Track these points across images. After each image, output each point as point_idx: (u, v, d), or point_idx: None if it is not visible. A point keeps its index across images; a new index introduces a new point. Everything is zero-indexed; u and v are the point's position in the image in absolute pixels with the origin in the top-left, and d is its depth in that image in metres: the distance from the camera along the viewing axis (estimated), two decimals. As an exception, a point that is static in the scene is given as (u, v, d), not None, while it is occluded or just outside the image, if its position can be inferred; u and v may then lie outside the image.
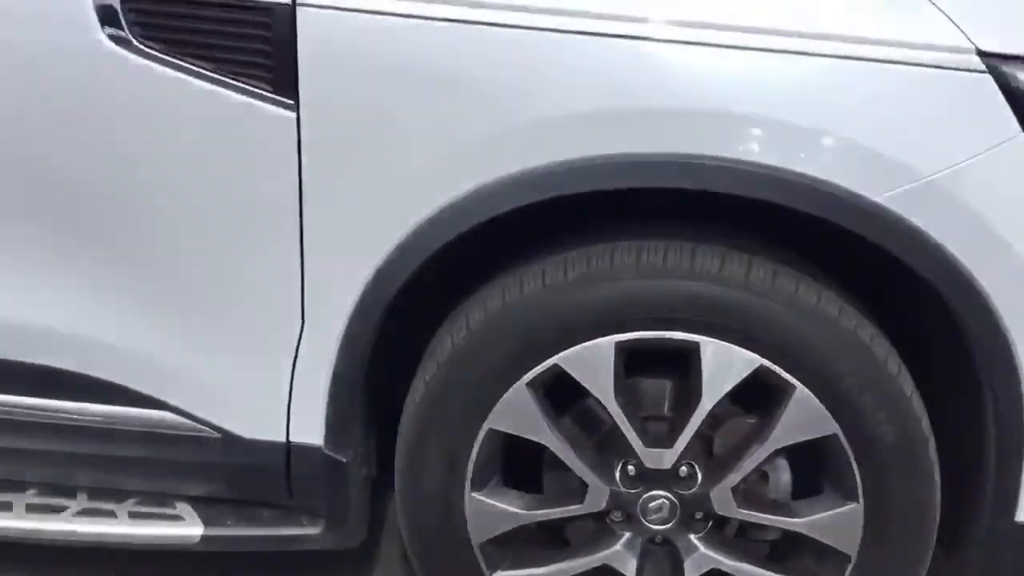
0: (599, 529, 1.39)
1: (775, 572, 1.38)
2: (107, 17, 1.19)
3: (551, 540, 1.46)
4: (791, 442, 1.30)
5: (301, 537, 1.42)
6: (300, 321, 1.30)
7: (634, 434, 1.30)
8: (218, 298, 1.32)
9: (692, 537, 1.36)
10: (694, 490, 1.33)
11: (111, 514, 1.44)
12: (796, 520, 1.34)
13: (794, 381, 1.25)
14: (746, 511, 1.34)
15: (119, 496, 1.46)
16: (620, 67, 1.16)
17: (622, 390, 1.29)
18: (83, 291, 1.33)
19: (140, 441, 1.41)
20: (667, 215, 1.29)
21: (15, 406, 1.40)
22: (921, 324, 1.37)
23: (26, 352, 1.36)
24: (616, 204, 1.26)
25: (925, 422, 1.29)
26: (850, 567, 1.33)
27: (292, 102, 1.19)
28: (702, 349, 1.25)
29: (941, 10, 1.14)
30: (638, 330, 1.26)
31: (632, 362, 1.31)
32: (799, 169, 1.15)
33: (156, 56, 1.20)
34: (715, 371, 1.26)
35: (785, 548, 1.42)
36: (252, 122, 1.21)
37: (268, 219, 1.26)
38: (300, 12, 1.16)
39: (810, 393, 1.26)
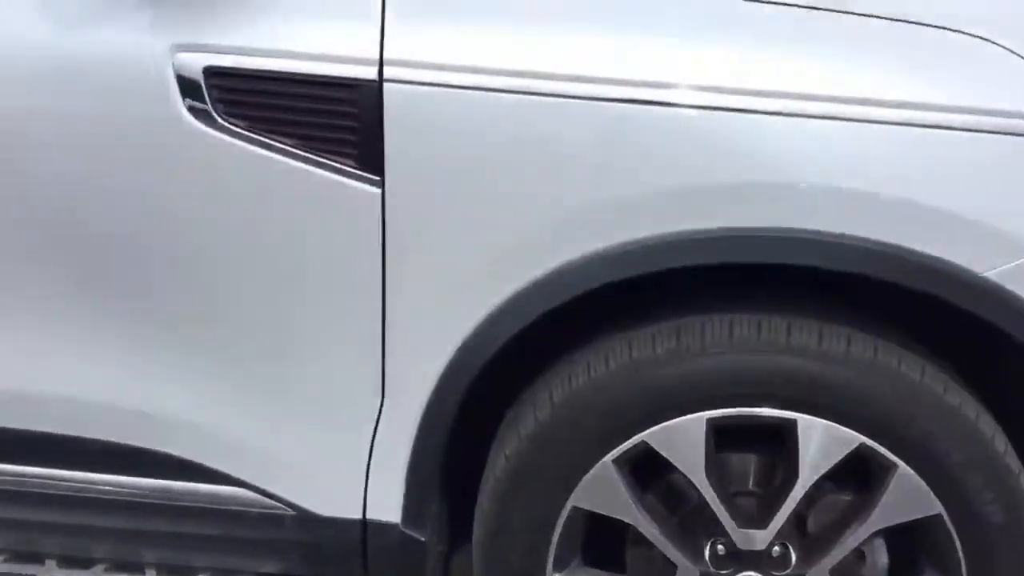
0: (687, 611, 1.35)
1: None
2: (190, 92, 1.17)
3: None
4: (892, 523, 1.25)
5: None
6: (380, 397, 1.27)
7: (726, 513, 1.25)
8: (297, 373, 1.29)
9: (785, 620, 1.31)
10: (788, 572, 1.27)
11: (180, 592, 1.42)
12: (895, 603, 1.29)
13: (896, 460, 1.21)
14: (842, 594, 1.29)
15: (189, 574, 1.44)
16: (725, 140, 1.13)
17: (713, 467, 1.25)
18: (159, 367, 1.31)
19: (212, 518, 1.37)
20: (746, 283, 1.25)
21: (87, 482, 1.38)
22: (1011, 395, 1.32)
23: (100, 429, 1.34)
24: (701, 275, 1.23)
25: None
26: (952, 651, 1.28)
27: (377, 178, 1.17)
28: (799, 427, 1.20)
29: None
30: (731, 406, 1.21)
31: (722, 435, 1.26)
32: (909, 245, 1.11)
33: (239, 132, 1.18)
34: (813, 449, 1.21)
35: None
36: (336, 198, 1.18)
37: (350, 294, 1.23)
38: (386, 88, 1.15)
39: (913, 472, 1.21)
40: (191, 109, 1.18)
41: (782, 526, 1.25)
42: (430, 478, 1.32)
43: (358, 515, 1.32)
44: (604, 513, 1.28)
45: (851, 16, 1.16)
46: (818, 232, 1.12)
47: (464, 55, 1.15)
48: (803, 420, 1.21)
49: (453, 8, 1.17)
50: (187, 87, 1.17)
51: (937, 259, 1.12)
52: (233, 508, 1.36)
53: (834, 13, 1.16)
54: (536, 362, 1.31)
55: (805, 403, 1.20)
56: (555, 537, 1.29)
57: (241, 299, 1.27)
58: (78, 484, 1.37)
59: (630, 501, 1.26)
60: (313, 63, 1.16)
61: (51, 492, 1.38)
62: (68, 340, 1.32)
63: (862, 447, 1.21)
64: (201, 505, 1.37)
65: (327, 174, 1.18)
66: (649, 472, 1.30)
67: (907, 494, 1.22)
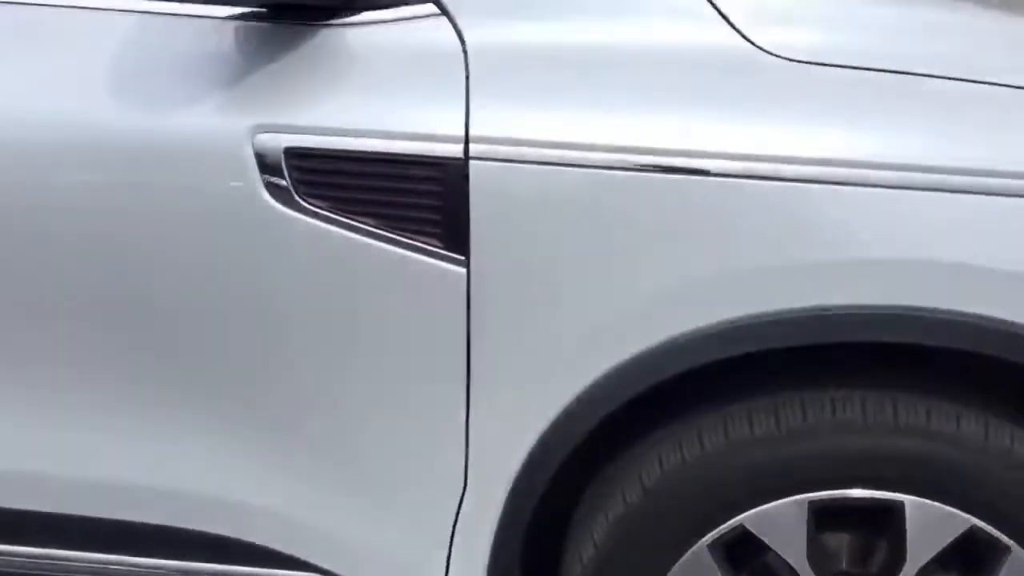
0: None
1: None
2: (270, 172, 1.14)
3: None
4: (1005, 608, 1.19)
5: None
6: (462, 484, 1.22)
7: (828, 599, 1.20)
8: (375, 459, 1.24)
9: None
10: (892, 657, 1.22)
11: None
12: None
13: (1010, 542, 1.15)
14: None
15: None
16: (829, 215, 1.09)
17: (814, 550, 1.19)
18: (233, 451, 1.26)
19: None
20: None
21: (157, 568, 1.33)
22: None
23: (178, 518, 1.29)
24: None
25: None
26: None
27: (462, 258, 1.13)
28: (907, 509, 1.15)
29: None
30: (834, 488, 1.16)
31: (823, 515, 1.19)
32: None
33: (319, 213, 1.14)
34: (921, 532, 1.15)
35: None
36: (420, 279, 1.14)
37: (433, 378, 1.18)
38: (472, 165, 1.11)
39: (1029, 556, 1.16)
40: (271, 190, 1.15)
41: (888, 612, 1.20)
42: (512, 567, 1.26)
43: (438, 604, 1.28)
44: (698, 599, 1.23)
45: (941, 80, 1.12)
46: (933, 310, 1.08)
47: (552, 130, 1.11)
48: (911, 502, 1.15)
49: (539, 83, 1.13)
50: (267, 167, 1.14)
51: None
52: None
53: (927, 78, 1.13)
54: (623, 437, 1.26)
55: (914, 484, 1.14)
56: (647, 625, 1.24)
57: (320, 383, 1.22)
58: (151, 570, 1.33)
59: (726, 587, 1.22)
60: (396, 142, 1.12)
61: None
62: (140, 420, 1.27)
63: (973, 529, 1.15)
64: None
65: (410, 254, 1.14)
66: (744, 553, 1.24)
67: (1021, 578, 1.17)
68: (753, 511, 1.17)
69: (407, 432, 1.22)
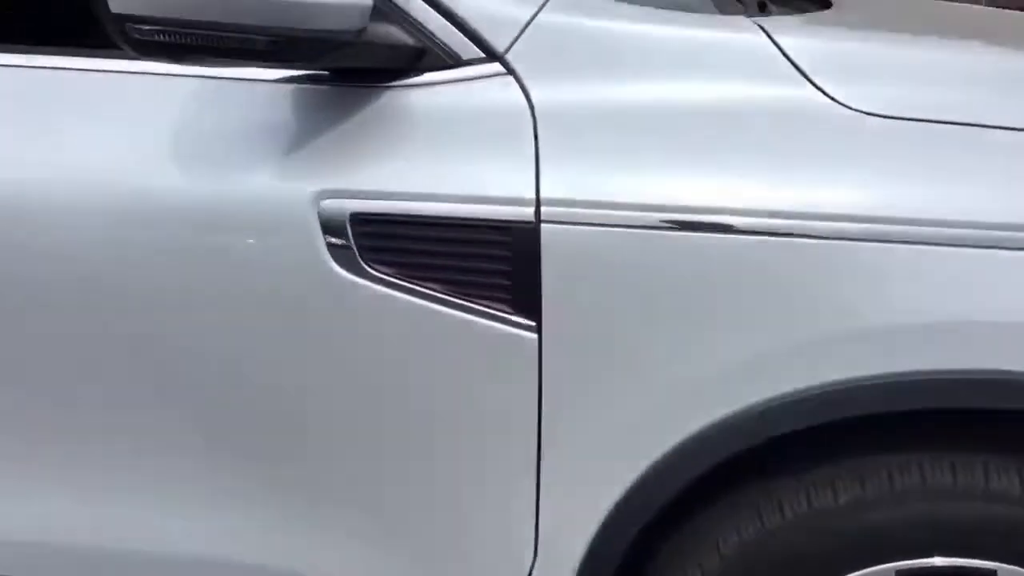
0: None
1: None
2: (335, 238, 1.11)
3: None
4: None
5: None
6: (532, 554, 1.18)
7: (916, 671, 1.15)
8: (443, 527, 1.20)
9: None
10: None
11: None
12: None
13: (1109, 612, 1.11)
14: None
15: None
16: (920, 276, 1.05)
17: (900, 620, 1.15)
18: (302, 523, 1.21)
19: None
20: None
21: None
22: None
23: None
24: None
25: None
26: None
27: (534, 323, 1.10)
28: (1000, 577, 1.11)
29: None
30: (923, 556, 1.11)
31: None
32: None
33: (386, 279, 1.11)
34: (1016, 602, 1.11)
35: None
36: (490, 345, 1.11)
37: (504, 446, 1.14)
38: (544, 229, 1.08)
39: None
40: (336, 255, 1.11)
41: None
42: None
43: None
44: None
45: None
46: None
47: (626, 191, 1.08)
48: (1004, 570, 1.11)
49: (610, 142, 1.10)
50: (332, 233, 1.11)
51: None
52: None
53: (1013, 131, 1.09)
54: (698, 503, 1.20)
55: (1008, 552, 1.10)
56: None
57: (386, 451, 1.18)
58: None
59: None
60: (464, 205, 1.09)
61: None
62: (206, 497, 1.23)
63: (1071, 599, 1.11)
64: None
65: (480, 320, 1.11)
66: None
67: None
68: (837, 581, 1.14)
69: (476, 502, 1.18)
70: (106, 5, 0.95)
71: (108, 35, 1.09)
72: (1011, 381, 1.06)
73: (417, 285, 1.11)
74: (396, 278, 1.12)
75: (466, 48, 1.14)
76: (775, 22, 1.20)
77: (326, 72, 1.15)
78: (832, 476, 1.13)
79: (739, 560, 1.15)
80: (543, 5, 1.14)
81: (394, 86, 1.15)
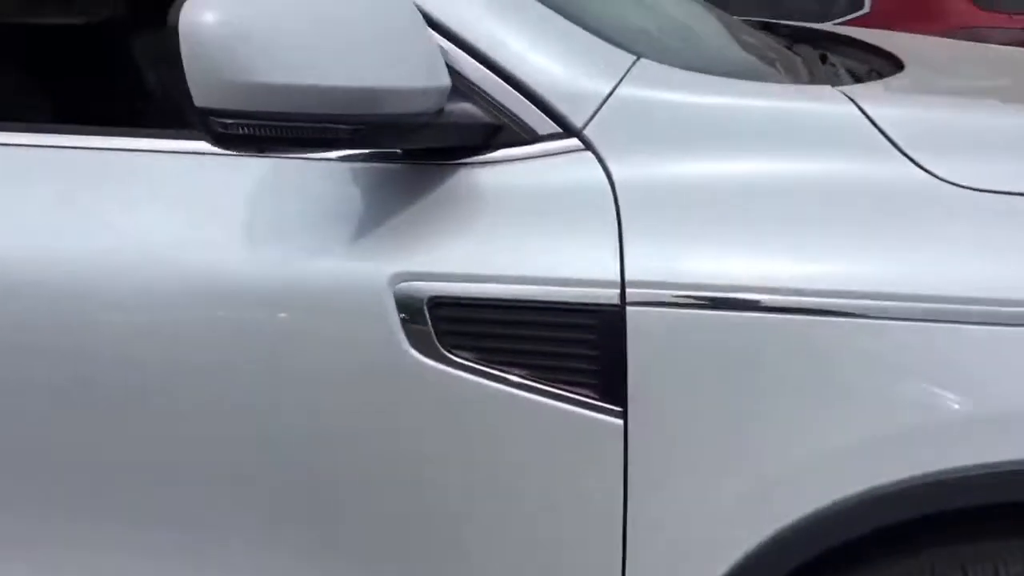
0: None
1: None
2: (413, 323, 1.07)
3: None
4: None
5: None
6: (618, 647, 1.13)
7: None
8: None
9: None
10: None
11: None
12: None
13: None
14: None
15: None
16: None
17: None
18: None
19: None
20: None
21: None
22: None
23: None
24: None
25: None
26: None
27: (619, 409, 1.05)
28: None
29: None
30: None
31: None
32: None
33: (465, 364, 1.07)
34: None
35: None
36: (573, 432, 1.06)
37: (587, 536, 1.09)
38: (630, 312, 1.04)
39: None
40: (413, 339, 1.08)
41: None
42: None
43: None
44: None
45: None
46: None
47: (715, 272, 1.03)
48: None
49: (697, 220, 1.06)
50: (409, 317, 1.07)
51: None
52: None
53: None
54: None
55: None
56: None
57: (463, 540, 1.13)
58: None
59: None
60: (546, 288, 1.05)
61: None
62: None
63: None
64: None
65: (562, 405, 1.06)
66: None
67: None
68: None
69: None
70: (189, 99, 0.94)
71: (181, 117, 1.09)
72: None
73: (497, 370, 1.07)
74: (476, 362, 1.08)
75: (543, 123, 1.11)
76: (861, 91, 1.16)
77: (399, 151, 1.13)
78: (962, 561, 1.06)
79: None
80: (622, 78, 1.11)
81: (469, 163, 1.12)
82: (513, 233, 1.09)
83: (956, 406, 1.00)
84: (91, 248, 1.16)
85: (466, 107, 1.11)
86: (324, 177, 1.14)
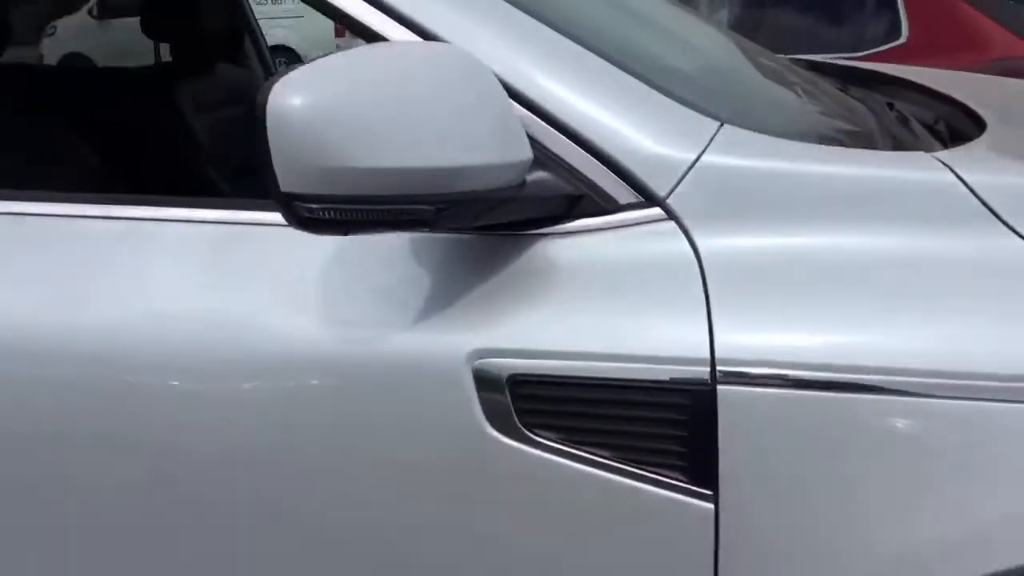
0: None
1: None
2: (492, 402, 1.03)
3: None
4: None
5: None
6: None
7: None
8: None
9: None
10: None
11: None
12: None
13: None
14: None
15: None
16: None
17: None
18: None
19: None
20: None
21: None
22: None
23: None
24: None
25: None
26: None
27: (710, 492, 1.01)
28: None
29: None
30: None
31: None
32: None
33: (547, 445, 1.03)
34: None
35: None
36: (661, 515, 1.02)
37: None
38: (721, 391, 0.99)
39: None
40: (493, 419, 1.04)
41: None
42: None
43: None
44: None
45: None
46: None
47: (813, 349, 0.98)
48: None
49: (790, 294, 1.01)
50: (489, 395, 1.03)
51: None
52: None
53: None
54: None
55: None
56: None
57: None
58: None
59: None
60: (632, 365, 1.01)
61: None
62: None
63: None
64: None
65: (649, 488, 1.02)
66: None
67: None
68: None
69: None
70: (275, 184, 0.91)
71: (250, 189, 1.06)
72: None
73: (580, 450, 1.03)
74: (557, 442, 1.03)
75: (624, 192, 1.07)
76: (956, 157, 1.11)
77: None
78: None
79: None
80: (707, 146, 1.07)
81: (547, 233, 1.08)
82: (595, 306, 1.05)
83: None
84: (164, 317, 1.13)
85: (545, 177, 1.07)
86: (396, 248, 1.11)
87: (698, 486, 1.01)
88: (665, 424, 1.02)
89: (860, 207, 1.05)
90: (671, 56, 1.43)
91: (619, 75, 1.11)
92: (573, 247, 1.07)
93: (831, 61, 2.42)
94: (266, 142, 0.88)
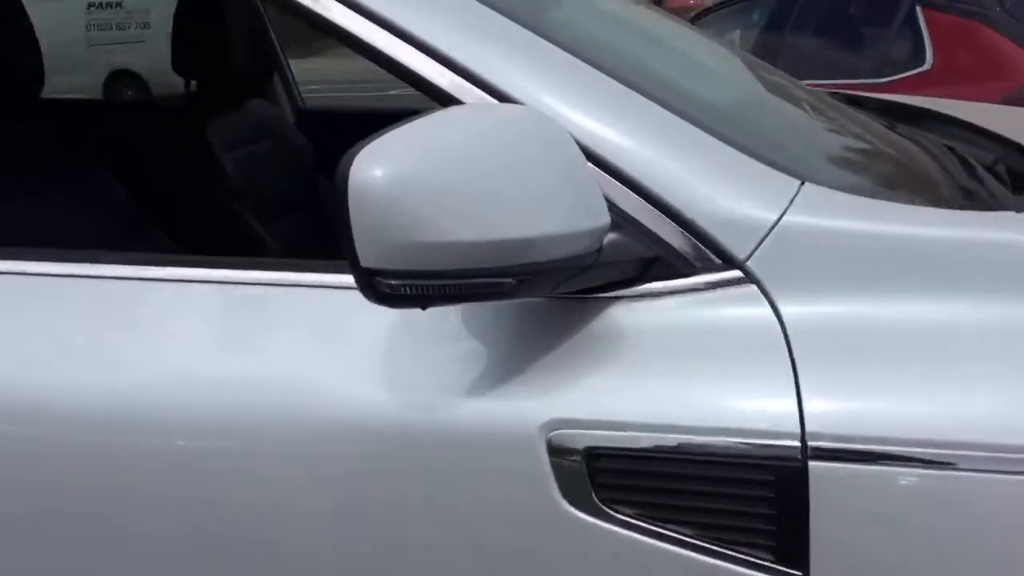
0: None
1: None
2: (568, 476, 0.99)
3: None
4: None
5: None
6: None
7: None
8: None
9: None
10: None
11: None
12: None
13: None
14: None
15: None
16: None
17: None
18: None
19: None
20: None
21: None
22: None
23: None
24: None
25: None
26: None
27: (799, 573, 0.96)
28: None
29: None
30: None
31: None
32: None
33: (626, 521, 0.98)
34: None
35: None
36: (748, 596, 0.98)
37: None
38: (812, 467, 0.94)
39: None
40: (569, 494, 0.99)
41: None
42: None
43: None
44: None
45: None
46: None
47: (909, 424, 0.93)
48: None
49: (883, 362, 0.96)
50: (565, 469, 0.99)
51: None
52: None
53: None
54: None
55: None
56: None
57: None
58: None
59: None
60: (715, 438, 0.96)
61: None
62: None
63: None
64: None
65: (736, 568, 0.97)
66: None
67: None
68: None
69: None
70: (355, 259, 0.87)
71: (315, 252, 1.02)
72: None
73: (662, 528, 0.98)
74: (636, 518, 0.99)
75: (701, 254, 1.03)
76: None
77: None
78: None
79: None
80: (788, 206, 1.03)
81: (622, 296, 1.04)
82: (674, 375, 1.00)
83: None
84: (219, 384, 1.10)
85: (620, 239, 1.03)
86: (467, 313, 1.07)
87: (787, 567, 0.96)
88: (752, 501, 0.96)
89: (952, 270, 1.00)
90: (741, 109, 1.39)
91: (695, 133, 1.06)
92: (649, 311, 1.03)
93: (866, 94, 2.38)
94: (347, 214, 0.85)
